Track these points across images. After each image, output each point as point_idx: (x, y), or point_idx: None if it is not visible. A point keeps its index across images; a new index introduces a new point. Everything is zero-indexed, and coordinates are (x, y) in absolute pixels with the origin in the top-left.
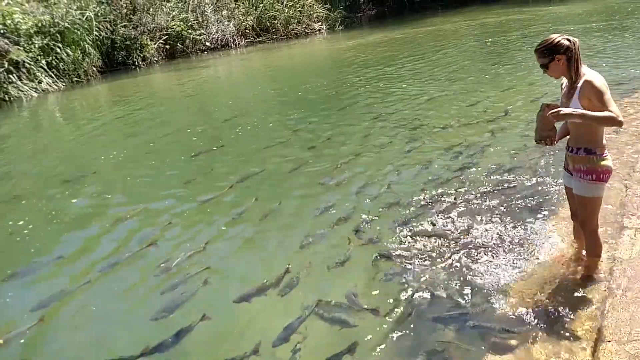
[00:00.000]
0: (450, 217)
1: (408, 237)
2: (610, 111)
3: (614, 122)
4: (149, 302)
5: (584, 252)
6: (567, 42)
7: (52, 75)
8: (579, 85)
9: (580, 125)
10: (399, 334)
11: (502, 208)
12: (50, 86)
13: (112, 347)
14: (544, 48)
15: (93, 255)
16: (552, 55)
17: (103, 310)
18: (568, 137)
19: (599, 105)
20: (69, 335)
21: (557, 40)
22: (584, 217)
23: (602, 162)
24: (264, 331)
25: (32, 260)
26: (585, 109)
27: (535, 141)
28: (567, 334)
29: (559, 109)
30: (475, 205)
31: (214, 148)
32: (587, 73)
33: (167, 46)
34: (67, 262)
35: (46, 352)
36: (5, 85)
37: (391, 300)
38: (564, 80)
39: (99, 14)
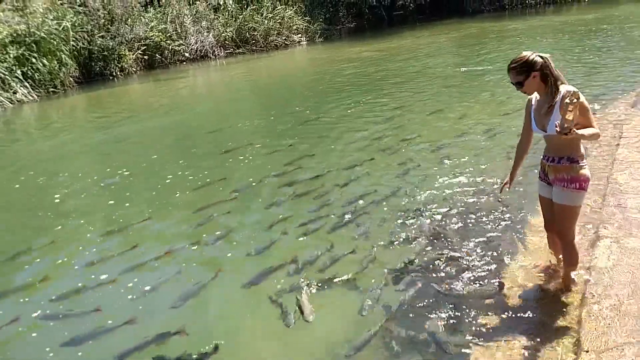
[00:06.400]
0: (421, 230)
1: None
2: (593, 127)
3: (598, 137)
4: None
5: (560, 262)
6: (540, 59)
7: (28, 85)
8: (559, 99)
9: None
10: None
11: (475, 220)
12: (25, 97)
13: None
14: (520, 66)
15: None
16: (528, 72)
17: None
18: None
19: (581, 119)
20: None
21: (531, 57)
22: (564, 227)
23: (582, 171)
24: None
25: None
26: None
27: (563, 132)
28: (546, 345)
29: (570, 131)
30: (447, 217)
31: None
32: (565, 87)
33: (146, 57)
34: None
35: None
36: None
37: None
38: (533, 96)
39: (76, 24)
